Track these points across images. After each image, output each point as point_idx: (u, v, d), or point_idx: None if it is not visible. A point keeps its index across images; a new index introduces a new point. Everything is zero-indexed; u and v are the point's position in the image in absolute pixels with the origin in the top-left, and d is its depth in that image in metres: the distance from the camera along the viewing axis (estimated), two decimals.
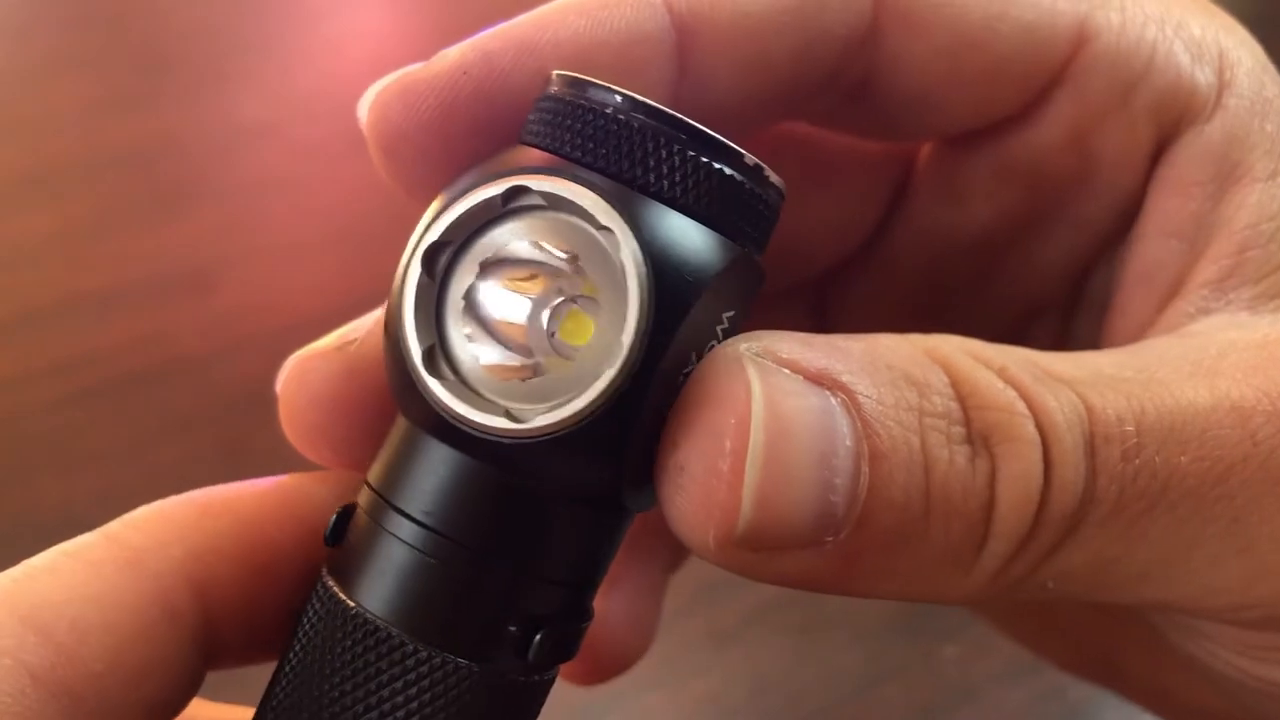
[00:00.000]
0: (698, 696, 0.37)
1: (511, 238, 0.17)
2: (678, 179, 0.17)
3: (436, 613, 0.18)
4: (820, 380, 0.17)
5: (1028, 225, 0.25)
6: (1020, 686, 0.38)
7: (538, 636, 0.18)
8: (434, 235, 0.17)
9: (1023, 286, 0.26)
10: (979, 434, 0.18)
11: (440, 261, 0.17)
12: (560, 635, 0.18)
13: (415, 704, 0.17)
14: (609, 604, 0.25)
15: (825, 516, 0.17)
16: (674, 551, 0.28)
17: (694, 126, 0.17)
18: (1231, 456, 0.18)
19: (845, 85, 0.23)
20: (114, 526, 0.19)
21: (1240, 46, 0.23)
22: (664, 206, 0.17)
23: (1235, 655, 0.22)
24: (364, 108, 0.20)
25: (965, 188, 0.25)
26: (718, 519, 0.17)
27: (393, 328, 0.18)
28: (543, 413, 0.16)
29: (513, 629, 0.18)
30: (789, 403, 0.17)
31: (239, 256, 0.58)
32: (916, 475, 0.17)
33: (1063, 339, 0.26)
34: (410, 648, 0.17)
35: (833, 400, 0.17)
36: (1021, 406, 0.18)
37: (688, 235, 0.17)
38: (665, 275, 0.17)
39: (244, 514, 0.20)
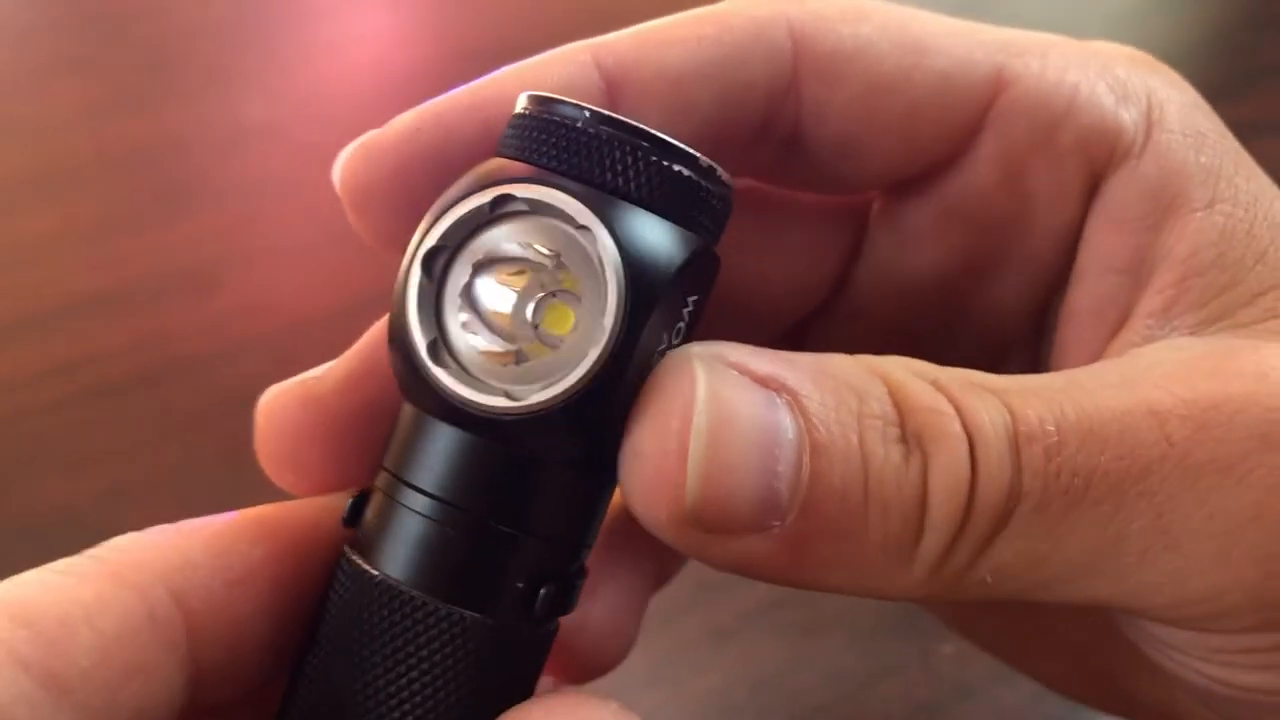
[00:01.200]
0: (696, 695, 0.37)
1: (499, 239, 0.19)
2: (643, 181, 0.19)
3: (452, 574, 0.20)
4: (766, 383, 0.19)
5: (979, 267, 0.26)
6: (1017, 685, 0.38)
7: (542, 591, 0.20)
8: (431, 241, 0.20)
9: (987, 326, 0.27)
10: (912, 434, 0.19)
11: (438, 264, 0.20)
12: (561, 590, 0.20)
13: (437, 656, 0.20)
14: (589, 611, 0.26)
15: (769, 502, 0.19)
16: (660, 567, 0.29)
17: (654, 134, 0.19)
18: (1149, 456, 0.19)
19: (778, 136, 0.24)
20: (95, 550, 0.20)
21: (1169, 87, 0.24)
22: (632, 206, 0.19)
23: (1204, 664, 0.22)
24: (335, 171, 0.23)
25: (914, 233, 0.26)
26: (668, 496, 0.19)
27: (398, 326, 0.20)
28: (536, 391, 0.19)
29: (519, 585, 0.20)
30: (731, 394, 0.19)
31: (240, 257, 0.58)
32: (855, 468, 0.19)
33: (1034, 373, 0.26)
34: (430, 606, 0.20)
35: (777, 399, 0.19)
36: (948, 408, 0.20)
37: (654, 230, 0.19)
38: (637, 266, 0.19)
39: (216, 532, 0.21)
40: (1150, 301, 0.23)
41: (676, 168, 0.19)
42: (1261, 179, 0.23)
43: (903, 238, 0.26)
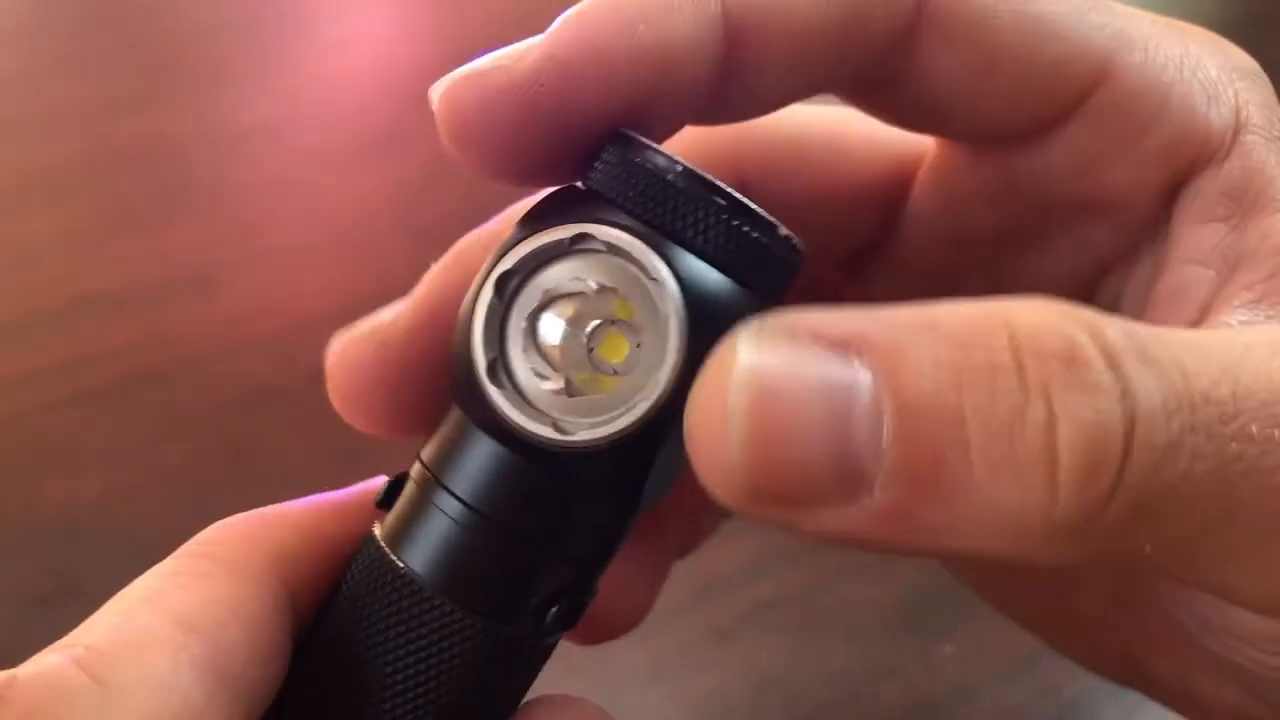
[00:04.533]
0: (697, 694, 0.37)
1: (570, 273, 0.20)
2: (721, 244, 0.20)
3: (473, 582, 0.21)
4: (845, 344, 0.18)
5: (1031, 238, 0.25)
6: (1018, 684, 0.38)
7: (553, 608, 0.21)
8: (507, 265, 0.20)
9: (1033, 291, 0.26)
10: (1036, 383, 0.17)
11: (509, 287, 0.20)
12: (570, 607, 0.21)
13: (446, 654, 0.21)
14: (609, 575, 0.26)
15: (847, 472, 0.17)
16: (683, 538, 0.29)
17: (740, 199, 0.20)
18: None
19: (872, 79, 0.23)
20: (193, 547, 0.22)
21: (1252, 88, 0.24)
22: (705, 263, 0.20)
23: (1268, 655, 0.22)
24: (436, 96, 0.21)
25: (969, 196, 0.26)
26: (721, 476, 0.18)
27: (462, 339, 0.21)
28: (585, 429, 0.20)
29: (534, 600, 0.21)
30: (783, 365, 0.18)
31: (242, 258, 0.58)
32: (950, 428, 0.17)
33: None
34: (447, 608, 0.21)
35: (855, 361, 0.18)
36: (1091, 353, 0.17)
37: (723, 291, 0.20)
38: (699, 324, 0.19)
39: (302, 519, 0.23)
40: (1239, 294, 0.22)
41: (755, 235, 0.20)
42: None
43: (956, 196, 0.26)
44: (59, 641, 0.20)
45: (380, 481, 0.24)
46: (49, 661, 0.19)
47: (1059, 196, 0.24)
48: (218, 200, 0.63)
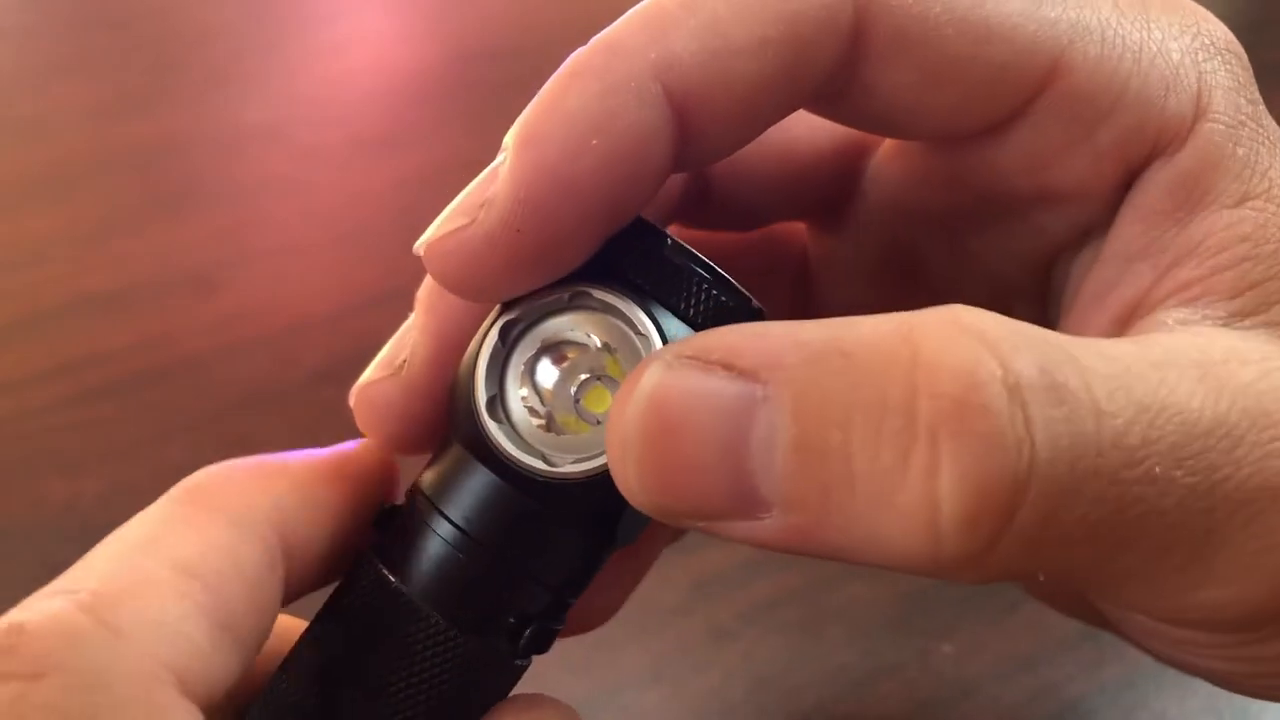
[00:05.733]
0: (696, 693, 0.38)
1: (567, 326, 0.22)
2: (700, 309, 0.22)
3: (457, 598, 0.22)
4: (754, 373, 0.18)
5: (987, 221, 0.25)
6: (1016, 684, 0.38)
7: (527, 630, 0.23)
8: (512, 314, 0.22)
9: (992, 270, 0.26)
10: (926, 426, 0.17)
11: (512, 334, 0.23)
12: (541, 632, 0.23)
13: (428, 663, 0.22)
14: None
15: (742, 496, 0.18)
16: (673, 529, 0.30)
17: (719, 274, 0.22)
18: (1219, 475, 0.19)
19: (817, 97, 0.23)
20: (184, 494, 0.22)
21: (1220, 68, 0.23)
22: (686, 325, 0.22)
23: (1183, 654, 0.23)
24: (421, 251, 0.22)
25: (924, 181, 0.26)
26: (629, 494, 0.20)
27: (465, 377, 0.23)
28: (570, 463, 0.22)
29: (511, 620, 0.23)
30: (683, 397, 0.19)
31: (242, 258, 0.58)
32: (835, 465, 0.18)
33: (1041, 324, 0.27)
34: (433, 619, 0.22)
35: (758, 392, 0.18)
36: (992, 393, 0.17)
37: None
38: None
39: (300, 474, 0.24)
40: (1176, 292, 0.22)
41: (730, 304, 0.22)
42: None
43: (911, 179, 0.26)
44: (55, 584, 0.20)
45: (356, 443, 0.25)
46: (54, 608, 0.19)
47: (1012, 188, 0.24)
48: (218, 200, 0.63)
